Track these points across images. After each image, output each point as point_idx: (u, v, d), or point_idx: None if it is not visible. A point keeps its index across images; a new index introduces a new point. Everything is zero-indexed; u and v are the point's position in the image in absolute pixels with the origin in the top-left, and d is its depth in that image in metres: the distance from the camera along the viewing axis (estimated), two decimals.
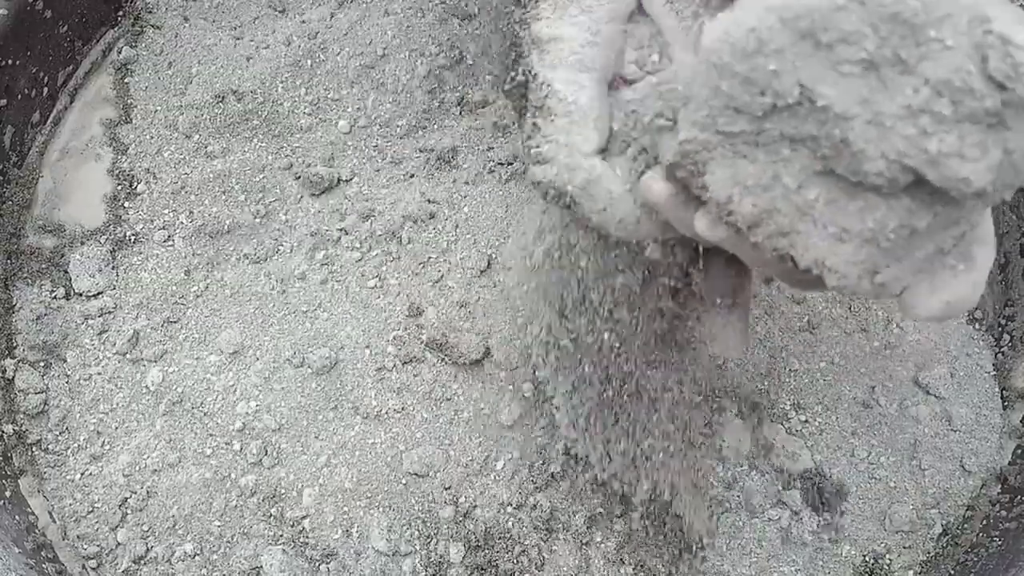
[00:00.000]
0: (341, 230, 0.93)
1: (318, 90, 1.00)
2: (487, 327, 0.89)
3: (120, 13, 1.03)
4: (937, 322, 0.57)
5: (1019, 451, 0.89)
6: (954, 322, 0.93)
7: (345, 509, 0.83)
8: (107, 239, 0.93)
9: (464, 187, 0.95)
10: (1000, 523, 0.84)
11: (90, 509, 0.83)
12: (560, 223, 0.64)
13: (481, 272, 0.91)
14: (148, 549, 0.81)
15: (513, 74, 0.60)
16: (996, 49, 0.35)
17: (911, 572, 0.84)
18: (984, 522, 0.86)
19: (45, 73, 0.97)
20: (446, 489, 0.84)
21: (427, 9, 1.02)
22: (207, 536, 0.82)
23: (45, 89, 0.98)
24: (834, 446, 0.87)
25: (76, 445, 0.85)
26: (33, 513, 0.83)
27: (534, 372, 0.86)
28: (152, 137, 0.98)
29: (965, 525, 0.86)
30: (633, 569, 0.81)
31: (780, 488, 0.85)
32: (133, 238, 0.94)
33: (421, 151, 0.97)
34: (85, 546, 0.82)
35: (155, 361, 0.88)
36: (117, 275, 0.92)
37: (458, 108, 0.99)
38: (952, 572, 0.84)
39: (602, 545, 0.82)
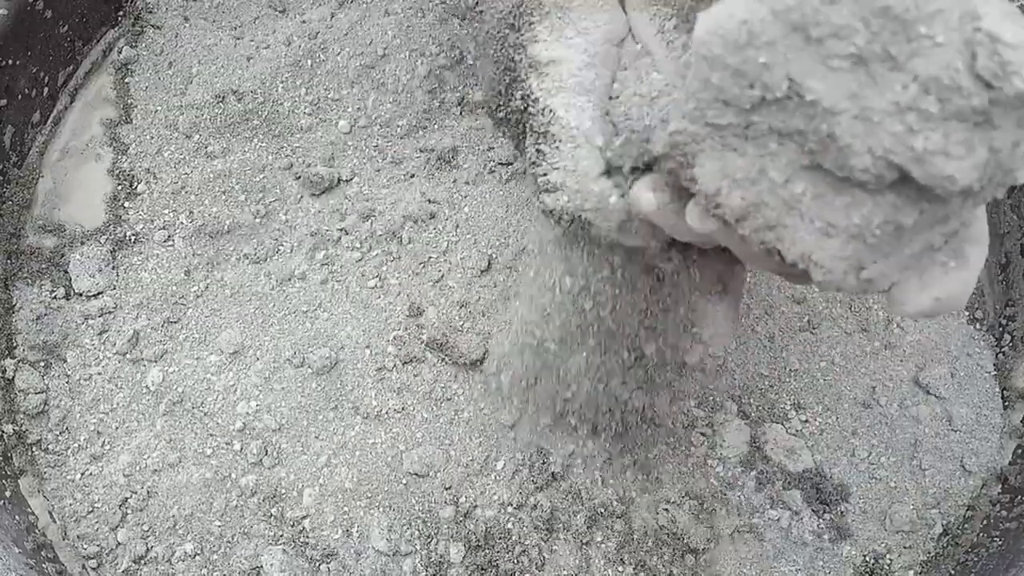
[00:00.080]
0: (341, 230, 0.93)
1: (318, 90, 1.00)
2: (487, 327, 0.89)
3: (120, 13, 1.04)
4: (926, 318, 0.57)
5: (1019, 451, 0.88)
6: (954, 322, 0.93)
7: (345, 509, 0.83)
8: (107, 239, 0.93)
9: (464, 187, 0.95)
10: (1000, 523, 0.84)
11: (90, 509, 0.83)
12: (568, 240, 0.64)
13: (481, 272, 0.91)
14: (148, 549, 0.81)
15: (509, 100, 0.60)
16: (985, 47, 0.35)
17: (911, 572, 0.84)
18: (984, 522, 0.86)
19: (45, 73, 0.97)
20: (446, 489, 0.83)
21: (427, 9, 1.02)
22: (207, 536, 0.82)
23: (45, 89, 0.98)
24: (834, 446, 0.87)
25: (76, 445, 0.85)
26: (33, 513, 0.83)
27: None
28: (152, 137, 0.98)
29: (965, 525, 0.86)
30: (633, 569, 0.81)
31: (780, 488, 0.85)
32: (133, 238, 0.94)
33: (421, 151, 0.97)
34: (85, 546, 0.82)
35: (155, 361, 0.88)
36: (117, 275, 0.92)
37: (458, 108, 0.99)
38: (952, 572, 0.84)
39: (602, 545, 0.82)
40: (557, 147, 0.55)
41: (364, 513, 0.83)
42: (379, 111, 0.99)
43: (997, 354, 0.93)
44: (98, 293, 0.91)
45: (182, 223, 0.94)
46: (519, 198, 0.95)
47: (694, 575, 0.82)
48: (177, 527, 0.82)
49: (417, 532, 0.82)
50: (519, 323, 0.75)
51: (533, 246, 0.70)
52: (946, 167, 0.36)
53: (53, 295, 0.91)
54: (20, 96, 0.95)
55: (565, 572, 0.81)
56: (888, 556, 0.84)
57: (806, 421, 0.88)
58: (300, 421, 0.86)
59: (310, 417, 0.86)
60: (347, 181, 0.96)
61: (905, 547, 0.85)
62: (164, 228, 0.94)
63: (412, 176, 0.96)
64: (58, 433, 0.86)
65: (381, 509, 0.83)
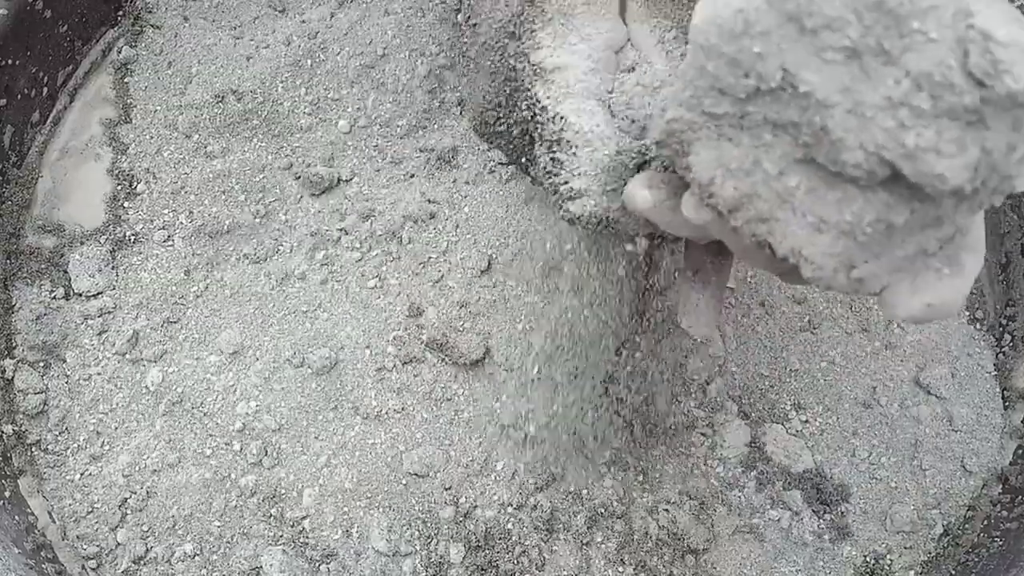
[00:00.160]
0: (341, 230, 0.93)
1: (318, 90, 1.00)
2: (487, 327, 0.89)
3: (120, 13, 1.03)
4: (916, 324, 0.57)
5: (1020, 451, 0.88)
6: (955, 322, 0.93)
7: (345, 509, 0.83)
8: (107, 239, 0.93)
9: (464, 187, 0.95)
10: (1001, 523, 0.84)
11: (90, 509, 0.83)
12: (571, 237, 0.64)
13: (481, 272, 0.91)
14: (148, 549, 0.81)
15: (512, 111, 0.60)
16: (977, 44, 0.34)
17: (912, 572, 0.84)
18: (985, 522, 0.86)
19: (45, 73, 0.97)
20: (446, 489, 0.83)
21: (427, 9, 1.02)
22: (207, 536, 0.82)
23: (45, 89, 0.98)
24: (835, 446, 0.87)
25: (76, 445, 0.85)
26: (33, 513, 0.83)
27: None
28: (152, 137, 0.98)
29: (966, 525, 0.86)
30: (633, 569, 0.81)
31: (780, 488, 0.85)
32: (133, 238, 0.93)
33: (421, 151, 0.97)
34: (85, 546, 0.82)
35: (155, 361, 0.88)
36: (117, 275, 0.92)
37: (458, 108, 0.99)
38: (953, 572, 0.84)
39: (602, 545, 0.82)
40: (575, 153, 0.55)
41: (364, 513, 0.83)
42: (379, 111, 0.99)
43: (997, 354, 0.93)
44: (98, 293, 0.91)
45: (182, 223, 0.94)
46: (519, 198, 0.95)
47: (694, 575, 0.82)
48: (177, 527, 0.82)
49: (417, 532, 0.82)
50: (542, 357, 0.76)
51: (544, 265, 0.70)
52: (937, 165, 0.36)
53: (52, 295, 0.91)
54: (19, 96, 0.95)
55: (565, 572, 0.81)
56: (888, 556, 0.84)
57: (806, 421, 0.88)
58: (300, 421, 0.86)
59: (310, 417, 0.86)
60: (347, 181, 0.96)
61: (905, 547, 0.85)
62: (164, 228, 0.94)
63: (412, 176, 0.96)
64: (57, 433, 0.86)
65: (381, 509, 0.83)
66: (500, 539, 0.82)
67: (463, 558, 0.81)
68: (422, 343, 0.88)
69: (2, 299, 0.90)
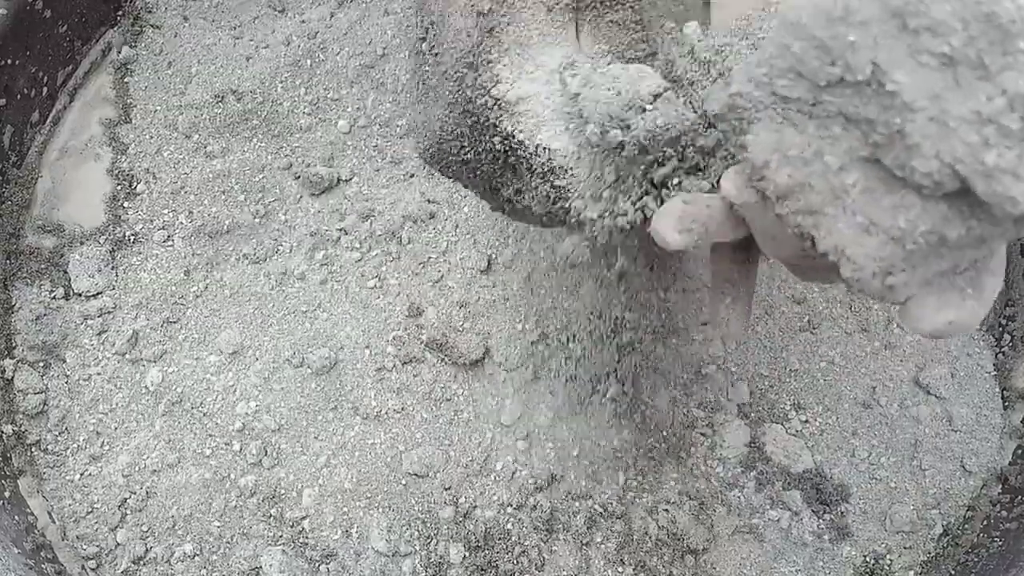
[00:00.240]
0: (341, 230, 0.93)
1: (318, 90, 1.00)
2: (487, 327, 0.89)
3: (120, 13, 1.03)
4: (931, 338, 0.57)
5: (1020, 451, 0.88)
6: None
7: (345, 509, 0.83)
8: (107, 239, 0.93)
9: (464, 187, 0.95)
10: (1001, 523, 0.84)
11: (89, 509, 0.83)
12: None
13: (481, 272, 0.91)
14: (148, 550, 0.81)
15: (476, 142, 0.61)
16: None
17: (912, 572, 0.84)
18: (985, 522, 0.86)
19: (45, 73, 0.97)
20: (446, 489, 0.83)
21: None
22: (207, 536, 0.82)
23: (44, 89, 0.98)
24: (834, 446, 0.87)
25: (75, 445, 0.85)
26: (32, 513, 0.83)
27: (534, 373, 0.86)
28: (152, 137, 0.98)
29: (966, 525, 0.86)
30: (633, 570, 0.81)
31: (780, 488, 0.85)
32: (133, 238, 0.93)
33: None
34: (84, 546, 0.82)
35: (155, 361, 0.88)
36: (117, 275, 0.92)
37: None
38: (953, 572, 0.84)
39: (602, 545, 0.82)
40: (572, 174, 0.55)
41: (364, 513, 0.83)
42: (379, 111, 0.99)
43: (997, 354, 0.93)
44: (97, 293, 0.91)
45: (181, 223, 0.94)
46: None
47: (694, 575, 0.82)
48: (176, 528, 0.82)
49: (417, 532, 0.82)
50: (541, 357, 0.77)
51: (544, 266, 0.70)
52: (1012, 187, 0.35)
53: (52, 295, 0.91)
54: (19, 96, 0.95)
55: (565, 573, 0.81)
56: (888, 556, 0.84)
57: (806, 421, 0.88)
58: (299, 421, 0.86)
59: (309, 417, 0.86)
60: (347, 181, 0.96)
61: (905, 547, 0.85)
62: (163, 228, 0.94)
63: (412, 176, 0.96)
64: (57, 433, 0.86)
65: (380, 509, 0.83)
66: (500, 539, 0.82)
67: (463, 558, 0.81)
68: (422, 343, 0.88)
69: (2, 299, 0.90)
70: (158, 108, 0.99)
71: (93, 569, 0.81)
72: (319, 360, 0.87)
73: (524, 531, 0.82)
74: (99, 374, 0.88)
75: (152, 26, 1.03)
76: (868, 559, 0.84)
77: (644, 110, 0.50)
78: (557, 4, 0.61)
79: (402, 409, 0.86)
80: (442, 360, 0.88)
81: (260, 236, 0.93)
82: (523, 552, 0.81)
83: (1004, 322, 0.93)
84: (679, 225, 0.48)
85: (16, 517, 0.81)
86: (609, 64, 0.56)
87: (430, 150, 0.66)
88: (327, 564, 0.81)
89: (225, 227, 0.93)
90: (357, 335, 0.89)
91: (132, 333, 0.89)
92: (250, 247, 0.93)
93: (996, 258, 0.43)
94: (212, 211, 0.94)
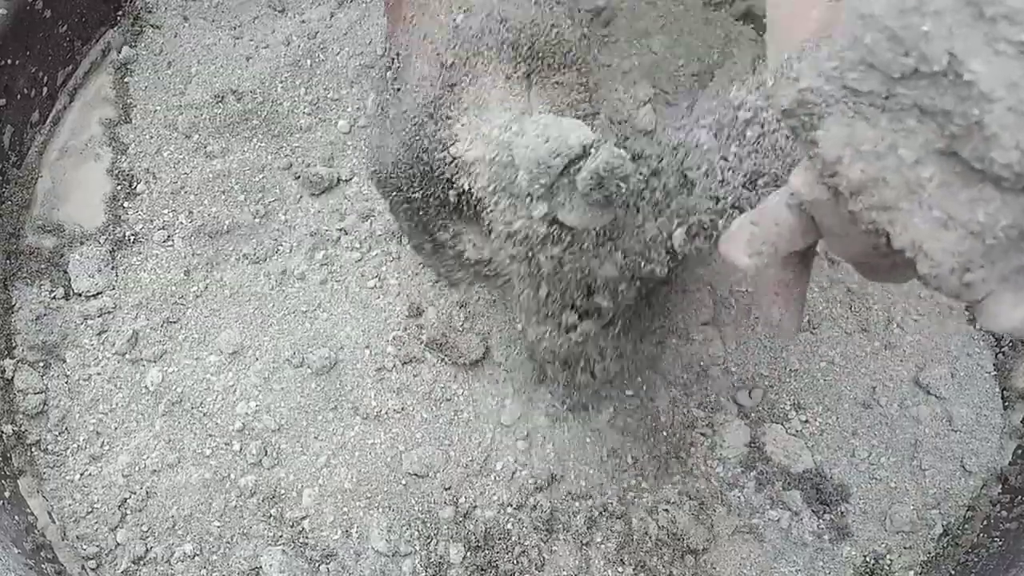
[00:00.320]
0: (341, 230, 0.93)
1: (318, 90, 1.00)
2: (487, 327, 0.89)
3: (120, 13, 1.03)
4: (1007, 334, 0.56)
5: (1020, 451, 0.88)
6: (954, 322, 0.93)
7: (345, 509, 0.83)
8: (106, 239, 0.93)
9: None
10: (1001, 523, 0.84)
11: (89, 509, 0.83)
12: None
13: None
14: (148, 550, 0.81)
15: (426, 185, 0.64)
16: None
17: (912, 572, 0.84)
18: (985, 522, 0.86)
19: (45, 73, 0.97)
20: (446, 489, 0.83)
21: None
22: (207, 536, 0.82)
23: (44, 89, 0.98)
24: (834, 446, 0.87)
25: (75, 445, 0.85)
26: (32, 513, 0.83)
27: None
28: (152, 137, 0.98)
29: (966, 525, 0.86)
30: (633, 570, 0.81)
31: (780, 488, 0.85)
32: (133, 238, 0.93)
33: None
34: (84, 546, 0.82)
35: (155, 361, 0.88)
36: (116, 275, 0.92)
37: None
38: (953, 572, 0.84)
39: (602, 545, 0.82)
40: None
41: (364, 513, 0.83)
42: None
43: (997, 354, 0.93)
44: (97, 293, 0.91)
45: (181, 223, 0.94)
46: None
47: (694, 575, 0.82)
48: (176, 528, 0.82)
49: (416, 532, 0.82)
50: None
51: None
52: None
53: (52, 295, 0.91)
54: (19, 96, 0.95)
55: (565, 573, 0.81)
56: (888, 556, 0.84)
57: (806, 421, 0.88)
58: (299, 421, 0.86)
59: (309, 417, 0.86)
60: (347, 181, 0.96)
61: (905, 547, 0.85)
62: (163, 228, 0.94)
63: None
64: (57, 433, 0.86)
65: (380, 509, 0.83)
66: (500, 539, 0.82)
67: (463, 558, 0.81)
68: (422, 343, 0.88)
69: (2, 299, 0.90)
70: (158, 108, 0.99)
71: (93, 569, 0.81)
72: (319, 360, 0.87)
73: (524, 531, 0.82)
74: (99, 374, 0.88)
75: (152, 26, 1.03)
76: (868, 559, 0.84)
77: (585, 155, 0.54)
78: (515, 73, 0.63)
79: (402, 409, 0.86)
80: (442, 360, 0.88)
81: (260, 236, 0.93)
82: (523, 552, 0.81)
83: None
84: (749, 249, 0.47)
85: (16, 517, 0.81)
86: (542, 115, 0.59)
87: (380, 175, 0.68)
88: (327, 564, 0.81)
89: (225, 227, 0.93)
90: (357, 335, 0.89)
91: (132, 333, 0.89)
92: (250, 247, 0.93)
93: None
94: (212, 211, 0.94)
